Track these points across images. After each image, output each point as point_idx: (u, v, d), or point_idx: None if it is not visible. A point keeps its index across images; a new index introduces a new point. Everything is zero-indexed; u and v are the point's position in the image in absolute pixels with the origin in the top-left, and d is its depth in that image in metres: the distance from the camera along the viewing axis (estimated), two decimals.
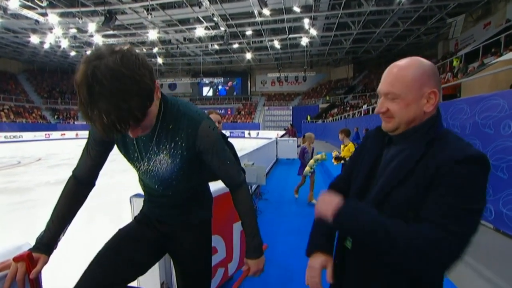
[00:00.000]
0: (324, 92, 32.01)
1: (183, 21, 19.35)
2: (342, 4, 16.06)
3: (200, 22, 18.83)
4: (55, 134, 25.90)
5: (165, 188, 1.13)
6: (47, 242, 1.01)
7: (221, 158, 1.08)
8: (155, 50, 24.56)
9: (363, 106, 18.71)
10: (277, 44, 22.88)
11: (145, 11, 15.26)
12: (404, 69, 0.80)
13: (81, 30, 19.43)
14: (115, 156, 1.16)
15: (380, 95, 0.85)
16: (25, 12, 14.86)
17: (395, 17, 17.52)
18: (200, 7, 14.94)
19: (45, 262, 0.99)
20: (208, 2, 14.86)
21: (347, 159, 4.38)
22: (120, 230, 1.21)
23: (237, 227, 2.26)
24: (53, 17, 16.01)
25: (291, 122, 21.01)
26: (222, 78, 34.96)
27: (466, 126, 3.52)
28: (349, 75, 31.87)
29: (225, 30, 18.97)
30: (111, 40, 21.19)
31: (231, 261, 2.18)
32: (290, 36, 21.12)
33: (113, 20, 15.32)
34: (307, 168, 4.86)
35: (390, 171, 0.83)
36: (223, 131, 2.59)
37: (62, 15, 16.92)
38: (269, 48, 25.20)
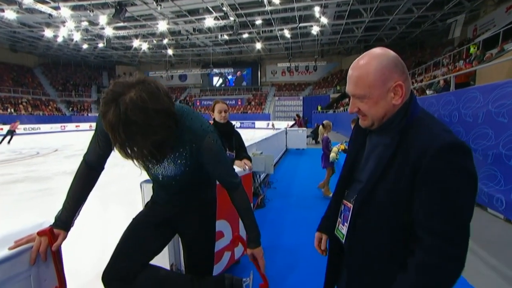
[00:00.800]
0: (335, 82, 31.39)
1: (192, 12, 19.24)
2: None
3: (209, 12, 18.67)
4: (70, 126, 26.65)
5: (169, 180, 1.22)
6: (65, 220, 1.11)
7: (221, 166, 1.17)
8: (165, 41, 24.63)
9: None
10: (287, 34, 22.48)
11: (154, 2, 15.23)
12: (364, 69, 0.79)
13: (93, 23, 19.70)
14: None
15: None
16: (39, 6, 15.17)
17: (409, 2, 16.72)
18: None
19: (65, 237, 1.09)
20: None
21: None
22: (136, 217, 1.33)
23: None
24: (65, 11, 16.34)
25: (298, 113, 20.81)
26: (232, 69, 34.77)
27: (479, 115, 3.41)
28: None
29: (235, 20, 18.75)
30: (122, 32, 21.41)
31: (238, 245, 2.24)
32: (301, 25, 20.67)
33: (123, 12, 15.42)
34: (333, 154, 4.51)
35: (370, 170, 0.86)
36: (232, 122, 2.65)
37: (74, 8, 17.19)
38: (279, 38, 24.79)
